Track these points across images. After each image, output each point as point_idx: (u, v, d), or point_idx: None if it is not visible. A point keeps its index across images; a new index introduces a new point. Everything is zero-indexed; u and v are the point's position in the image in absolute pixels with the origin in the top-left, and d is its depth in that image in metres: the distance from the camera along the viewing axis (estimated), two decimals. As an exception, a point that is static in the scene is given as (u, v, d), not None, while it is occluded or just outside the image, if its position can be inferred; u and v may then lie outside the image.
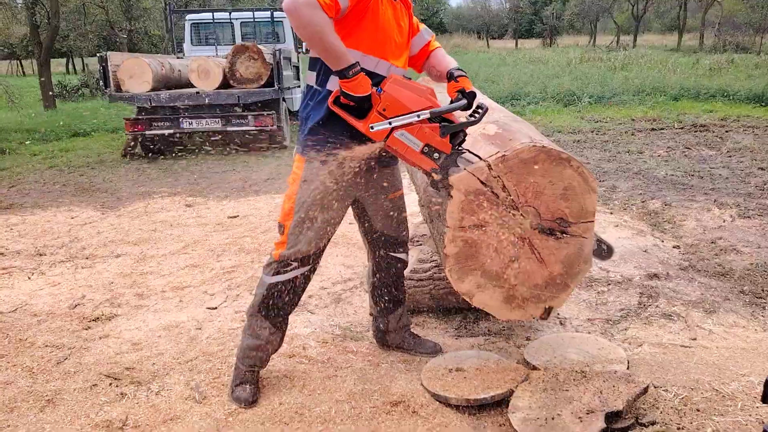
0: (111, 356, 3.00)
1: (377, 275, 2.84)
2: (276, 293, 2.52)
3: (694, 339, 2.96)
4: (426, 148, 2.22)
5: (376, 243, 2.77)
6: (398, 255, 2.79)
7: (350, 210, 2.69)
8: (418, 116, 2.18)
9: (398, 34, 2.40)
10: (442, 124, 2.20)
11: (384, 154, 2.38)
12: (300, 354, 2.95)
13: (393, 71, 2.38)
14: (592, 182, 2.28)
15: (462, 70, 2.44)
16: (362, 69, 2.21)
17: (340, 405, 2.49)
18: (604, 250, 2.62)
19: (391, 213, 2.69)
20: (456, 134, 2.22)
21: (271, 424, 2.39)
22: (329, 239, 2.54)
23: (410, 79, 2.29)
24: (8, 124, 12.17)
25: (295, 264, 2.48)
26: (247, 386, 2.56)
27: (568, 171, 2.25)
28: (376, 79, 2.31)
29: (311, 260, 2.51)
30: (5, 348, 3.11)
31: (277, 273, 2.50)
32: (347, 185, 2.44)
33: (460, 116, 2.35)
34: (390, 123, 2.19)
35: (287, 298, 2.55)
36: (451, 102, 2.28)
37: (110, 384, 2.74)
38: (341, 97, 2.23)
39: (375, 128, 2.20)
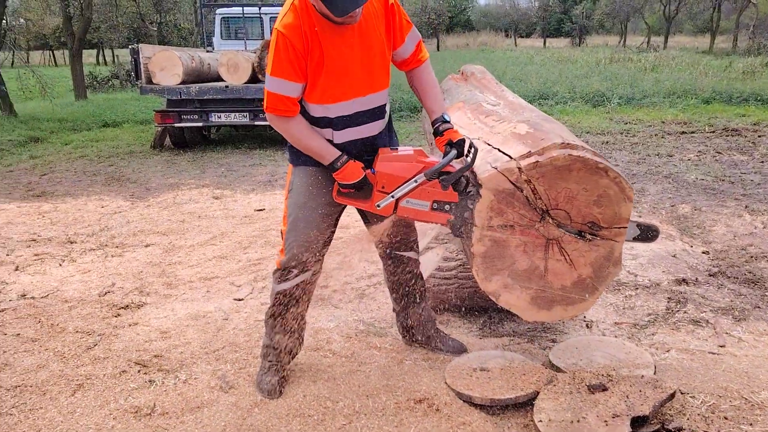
0: (140, 344, 3.05)
1: (388, 274, 2.84)
2: (283, 301, 2.55)
3: (723, 346, 2.92)
4: (435, 204, 2.32)
5: (381, 244, 2.75)
6: (405, 254, 2.77)
7: None
8: (416, 181, 2.29)
9: (361, 66, 2.30)
10: (441, 178, 2.27)
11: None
12: (324, 348, 2.98)
13: (363, 103, 2.37)
14: (629, 191, 2.26)
15: (447, 122, 2.40)
16: (339, 119, 2.33)
17: (363, 400, 2.51)
18: (649, 234, 2.58)
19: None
20: (458, 181, 2.28)
21: (295, 416, 2.41)
22: (326, 244, 2.54)
23: (396, 149, 2.37)
24: (41, 113, 12.40)
25: (295, 271, 2.49)
26: (272, 378, 2.59)
27: (604, 180, 2.23)
28: (353, 121, 2.37)
29: (310, 266, 2.51)
30: (38, 332, 3.18)
31: (281, 281, 2.52)
32: (330, 197, 2.45)
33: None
34: (393, 196, 2.32)
35: (295, 305, 2.57)
36: (443, 156, 2.32)
37: (139, 371, 2.79)
38: (341, 188, 2.35)
39: (381, 205, 2.33)
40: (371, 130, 2.45)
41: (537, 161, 2.19)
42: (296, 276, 2.50)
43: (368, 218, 2.64)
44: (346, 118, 2.36)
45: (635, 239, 2.63)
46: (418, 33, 2.50)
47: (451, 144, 2.33)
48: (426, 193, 2.30)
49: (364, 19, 2.27)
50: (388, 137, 2.58)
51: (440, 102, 2.50)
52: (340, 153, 2.31)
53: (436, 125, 2.41)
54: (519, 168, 2.20)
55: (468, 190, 2.31)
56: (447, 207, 2.32)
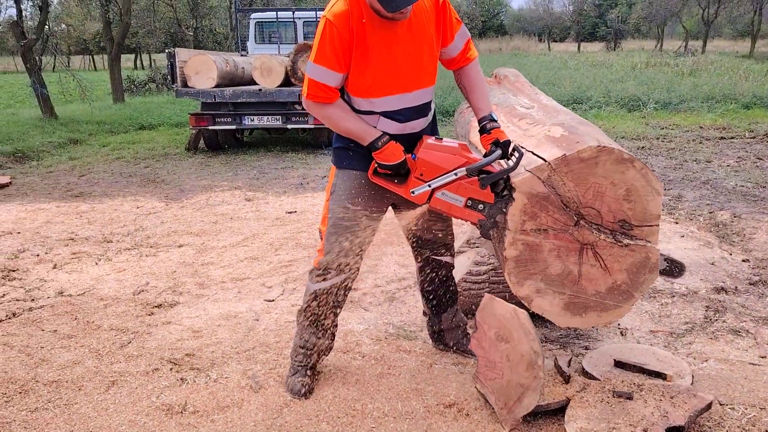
0: (172, 342, 3.09)
1: (423, 276, 2.83)
2: (318, 300, 2.56)
3: (764, 357, 2.82)
4: (469, 201, 2.28)
5: (417, 246, 2.75)
6: (441, 258, 2.76)
7: None
8: (456, 174, 2.25)
9: (409, 62, 2.30)
10: (481, 176, 2.23)
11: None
12: (354, 350, 2.97)
13: (409, 100, 2.35)
14: (656, 184, 2.21)
15: (494, 120, 2.37)
16: (385, 114, 2.32)
17: (392, 403, 2.49)
18: (675, 269, 2.52)
19: (430, 217, 2.64)
20: (496, 183, 2.25)
21: (324, 417, 2.41)
22: (365, 247, 2.53)
23: (441, 139, 2.33)
24: (81, 116, 12.71)
25: (333, 272, 2.49)
26: (302, 379, 2.60)
27: (630, 172, 2.19)
28: (399, 116, 2.36)
29: (349, 268, 2.51)
30: (74, 329, 3.25)
31: (318, 280, 2.53)
32: (377, 195, 2.44)
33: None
34: (429, 185, 2.28)
35: (330, 305, 2.58)
36: (486, 155, 2.29)
37: (171, 369, 2.83)
38: (378, 168, 2.32)
39: (416, 192, 2.29)
40: (414, 127, 2.44)
41: (564, 155, 2.16)
42: (334, 277, 2.51)
43: (398, 205, 2.61)
44: (391, 114, 2.35)
45: (660, 272, 2.58)
46: (467, 31, 2.48)
47: (497, 144, 2.30)
48: (463, 188, 2.27)
49: (414, 15, 2.26)
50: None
51: (487, 100, 2.47)
52: (382, 132, 2.29)
53: (483, 123, 2.38)
54: (549, 165, 2.18)
55: (504, 194, 2.28)
56: (481, 206, 2.28)
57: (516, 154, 2.22)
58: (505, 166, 2.24)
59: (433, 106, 2.56)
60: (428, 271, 2.79)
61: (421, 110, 2.44)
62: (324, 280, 2.51)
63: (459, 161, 2.26)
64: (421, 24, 2.29)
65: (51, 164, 8.49)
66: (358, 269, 2.58)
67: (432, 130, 2.58)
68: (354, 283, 2.65)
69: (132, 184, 7.17)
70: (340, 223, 2.45)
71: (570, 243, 2.27)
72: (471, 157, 2.27)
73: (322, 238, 2.53)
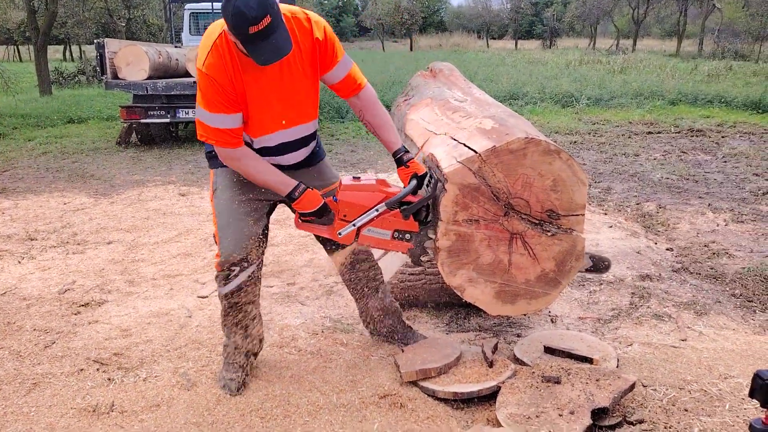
0: (99, 342, 2.98)
1: (342, 267, 2.80)
2: (232, 302, 2.52)
3: (684, 340, 2.96)
4: (395, 233, 2.36)
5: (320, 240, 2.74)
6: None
7: None
8: (377, 210, 2.33)
9: (285, 100, 2.31)
10: (402, 208, 2.31)
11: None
12: (290, 345, 2.94)
13: (288, 134, 2.39)
14: (582, 175, 2.28)
15: (408, 152, 2.40)
16: (262, 150, 2.35)
17: (328, 396, 2.48)
18: (601, 265, 2.60)
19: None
20: (418, 211, 2.33)
21: (258, 412, 2.37)
22: (262, 237, 2.52)
23: (359, 177, 2.39)
24: (3, 108, 12.08)
25: (236, 269, 2.46)
26: (235, 375, 2.55)
27: (557, 163, 2.26)
28: (277, 151, 2.40)
29: (250, 261, 2.48)
30: (-7, 331, 3.08)
31: (225, 283, 2.49)
32: (256, 188, 2.45)
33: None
34: (354, 225, 2.35)
35: (244, 303, 2.55)
36: (405, 188, 2.35)
37: (97, 369, 2.73)
38: (301, 217, 2.38)
39: (343, 233, 2.37)
40: (289, 160, 2.48)
41: (494, 146, 2.20)
42: (237, 275, 2.47)
43: (328, 245, 2.67)
44: (268, 149, 2.39)
45: (588, 270, 2.66)
46: (349, 61, 2.41)
47: (416, 176, 2.34)
48: (387, 222, 2.34)
49: (290, 54, 2.20)
50: (314, 157, 2.61)
51: (396, 132, 2.50)
52: (297, 183, 2.32)
53: (399, 155, 2.41)
54: (480, 156, 2.21)
55: (428, 220, 2.34)
56: (407, 236, 2.37)
57: (432, 181, 2.29)
58: (424, 197, 2.31)
59: (316, 135, 2.59)
60: (348, 265, 2.78)
61: (303, 142, 2.48)
62: (229, 280, 2.47)
63: (378, 197, 2.33)
64: (294, 63, 2.28)
65: (-30, 159, 8.03)
66: (261, 260, 2.56)
67: (310, 158, 2.58)
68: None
69: (59, 179, 6.86)
70: (229, 218, 2.45)
71: (500, 233, 2.32)
72: (389, 191, 2.34)
73: (217, 243, 2.50)
